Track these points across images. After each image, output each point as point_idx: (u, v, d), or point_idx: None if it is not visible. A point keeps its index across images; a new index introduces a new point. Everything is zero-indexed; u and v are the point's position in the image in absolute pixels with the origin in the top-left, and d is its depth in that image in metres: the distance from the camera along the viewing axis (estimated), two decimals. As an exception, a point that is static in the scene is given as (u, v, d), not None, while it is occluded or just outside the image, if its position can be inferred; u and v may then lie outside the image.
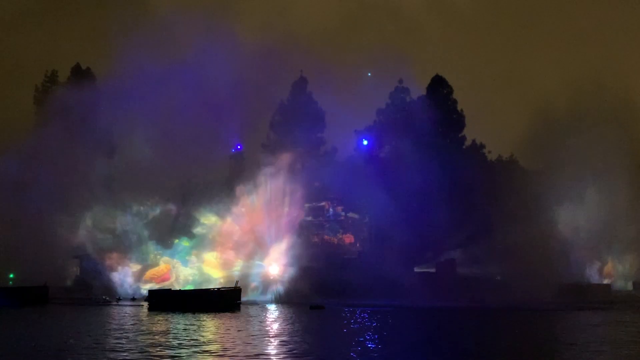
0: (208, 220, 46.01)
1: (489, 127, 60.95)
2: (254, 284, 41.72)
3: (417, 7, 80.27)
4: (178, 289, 39.29)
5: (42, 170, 45.01)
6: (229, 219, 44.78)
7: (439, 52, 74.65)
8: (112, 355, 14.84)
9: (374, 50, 61.60)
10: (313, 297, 37.52)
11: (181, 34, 49.17)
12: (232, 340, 17.97)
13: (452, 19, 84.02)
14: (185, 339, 17.92)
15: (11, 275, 44.85)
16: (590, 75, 46.77)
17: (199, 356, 14.73)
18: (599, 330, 21.98)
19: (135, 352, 15.17)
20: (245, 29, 55.30)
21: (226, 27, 49.56)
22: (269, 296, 41.34)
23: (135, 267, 45.24)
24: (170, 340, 17.96)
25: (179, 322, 24.05)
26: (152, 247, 46.92)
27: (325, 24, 73.32)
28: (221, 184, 49.49)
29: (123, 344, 16.77)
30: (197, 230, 46.46)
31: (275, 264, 42.85)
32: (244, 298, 36.03)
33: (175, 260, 45.62)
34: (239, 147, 55.81)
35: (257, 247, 43.20)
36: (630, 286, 45.53)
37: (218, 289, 35.45)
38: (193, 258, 45.77)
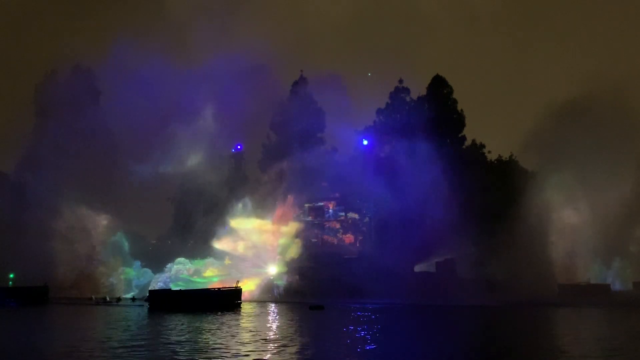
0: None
1: (489, 127, 60.96)
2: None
3: (432, 6, 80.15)
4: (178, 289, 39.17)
5: (42, 171, 45.12)
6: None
7: (440, 52, 74.70)
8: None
9: (379, 50, 61.86)
10: (313, 297, 37.50)
11: (193, 34, 49.54)
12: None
13: (462, 18, 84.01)
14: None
15: (11, 275, 44.86)
16: (593, 76, 46.70)
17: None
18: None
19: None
20: (255, 28, 55.72)
21: (236, 29, 49.97)
22: (269, 296, 41.37)
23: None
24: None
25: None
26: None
27: (338, 22, 73.58)
28: (221, 184, 49.52)
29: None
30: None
31: (275, 265, 42.86)
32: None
33: None
34: (239, 147, 55.81)
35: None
36: (630, 286, 45.44)
37: (218, 289, 35.40)
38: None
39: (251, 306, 34.60)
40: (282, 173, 46.47)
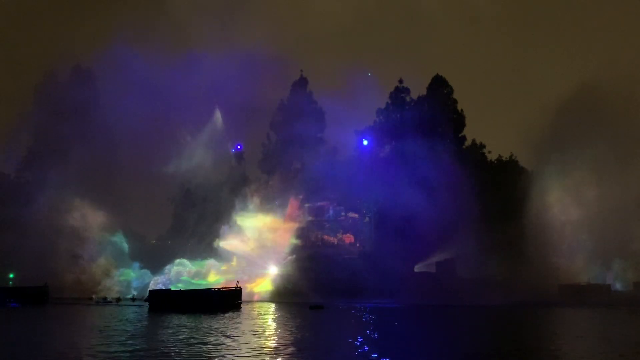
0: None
1: (489, 127, 60.97)
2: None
3: (433, 6, 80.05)
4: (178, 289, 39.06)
5: (42, 170, 45.13)
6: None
7: (441, 52, 74.69)
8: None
9: (379, 50, 61.93)
10: (313, 297, 37.50)
11: (193, 33, 49.63)
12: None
13: (462, 18, 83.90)
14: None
15: (11, 275, 44.87)
16: (594, 75, 46.69)
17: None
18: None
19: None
20: (258, 28, 55.83)
21: (237, 28, 50.07)
22: (271, 296, 41.32)
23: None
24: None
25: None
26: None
27: (338, 21, 73.64)
28: (222, 184, 49.48)
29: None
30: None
31: (280, 265, 42.79)
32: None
33: None
34: (239, 147, 55.76)
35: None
36: (630, 287, 45.39)
37: (219, 289, 35.38)
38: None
39: (251, 306, 34.61)
40: (283, 173, 46.49)
